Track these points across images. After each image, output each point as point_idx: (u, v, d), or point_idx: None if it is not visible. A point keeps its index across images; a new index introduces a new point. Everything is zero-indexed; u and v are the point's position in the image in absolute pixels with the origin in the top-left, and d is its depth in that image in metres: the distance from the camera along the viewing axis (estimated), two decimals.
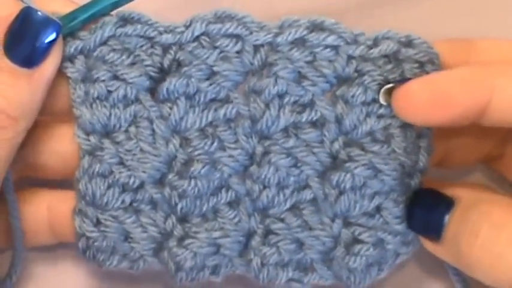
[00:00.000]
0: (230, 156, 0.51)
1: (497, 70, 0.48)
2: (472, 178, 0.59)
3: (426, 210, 0.51)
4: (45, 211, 0.54)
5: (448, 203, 0.50)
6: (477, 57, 0.52)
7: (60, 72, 0.51)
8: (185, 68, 0.51)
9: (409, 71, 0.51)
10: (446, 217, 0.50)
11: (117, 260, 0.52)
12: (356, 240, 0.52)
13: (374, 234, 0.51)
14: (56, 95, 0.52)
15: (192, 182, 0.51)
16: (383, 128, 0.52)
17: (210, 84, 0.51)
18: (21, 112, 0.49)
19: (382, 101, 0.51)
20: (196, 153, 0.51)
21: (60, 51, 0.50)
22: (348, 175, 0.51)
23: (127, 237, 0.52)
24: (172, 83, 0.51)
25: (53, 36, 0.49)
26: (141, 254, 0.52)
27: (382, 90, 0.51)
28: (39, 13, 0.49)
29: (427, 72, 0.51)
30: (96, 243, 0.52)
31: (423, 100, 0.48)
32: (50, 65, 0.50)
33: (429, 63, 0.51)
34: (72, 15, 0.50)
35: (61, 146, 0.53)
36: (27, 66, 0.49)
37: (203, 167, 0.51)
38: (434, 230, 0.50)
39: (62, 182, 0.55)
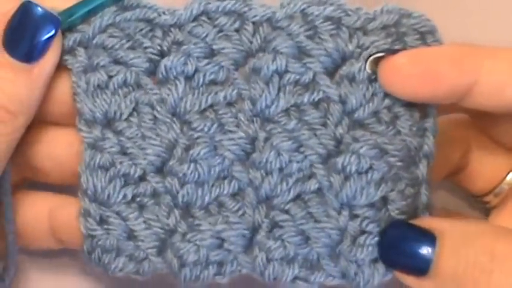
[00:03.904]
0: (231, 139, 0.50)
1: (486, 51, 0.48)
2: (436, 195, 0.57)
3: (406, 244, 0.48)
4: (46, 215, 0.53)
5: (429, 236, 0.48)
6: None
7: (58, 77, 0.51)
8: (184, 47, 0.51)
9: (411, 43, 0.50)
10: (433, 251, 0.47)
11: (122, 262, 0.51)
12: (362, 232, 0.50)
13: (380, 225, 0.50)
14: (56, 100, 0.52)
15: (192, 165, 0.50)
16: (387, 107, 0.50)
17: (210, 63, 0.51)
18: (21, 107, 0.49)
19: (368, 69, 0.50)
20: (196, 135, 0.51)
21: (59, 47, 0.50)
22: (354, 156, 0.50)
23: (130, 235, 0.51)
24: (170, 60, 0.51)
25: (52, 31, 0.49)
26: (145, 253, 0.51)
27: (370, 59, 0.50)
28: (38, 8, 0.49)
29: (429, 45, 0.50)
30: (100, 242, 0.51)
31: (411, 74, 0.48)
32: (49, 60, 0.49)
33: (429, 34, 0.50)
34: (71, 10, 0.50)
35: (56, 150, 0.53)
36: (27, 62, 0.49)
37: (203, 148, 0.50)
38: (418, 265, 0.47)
39: (66, 188, 0.54)
